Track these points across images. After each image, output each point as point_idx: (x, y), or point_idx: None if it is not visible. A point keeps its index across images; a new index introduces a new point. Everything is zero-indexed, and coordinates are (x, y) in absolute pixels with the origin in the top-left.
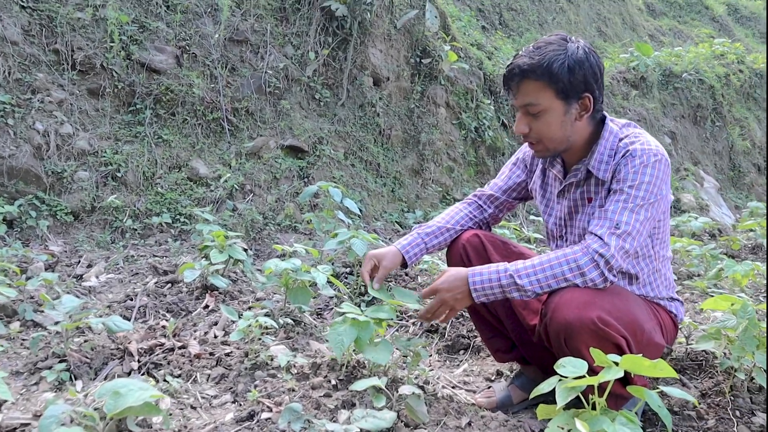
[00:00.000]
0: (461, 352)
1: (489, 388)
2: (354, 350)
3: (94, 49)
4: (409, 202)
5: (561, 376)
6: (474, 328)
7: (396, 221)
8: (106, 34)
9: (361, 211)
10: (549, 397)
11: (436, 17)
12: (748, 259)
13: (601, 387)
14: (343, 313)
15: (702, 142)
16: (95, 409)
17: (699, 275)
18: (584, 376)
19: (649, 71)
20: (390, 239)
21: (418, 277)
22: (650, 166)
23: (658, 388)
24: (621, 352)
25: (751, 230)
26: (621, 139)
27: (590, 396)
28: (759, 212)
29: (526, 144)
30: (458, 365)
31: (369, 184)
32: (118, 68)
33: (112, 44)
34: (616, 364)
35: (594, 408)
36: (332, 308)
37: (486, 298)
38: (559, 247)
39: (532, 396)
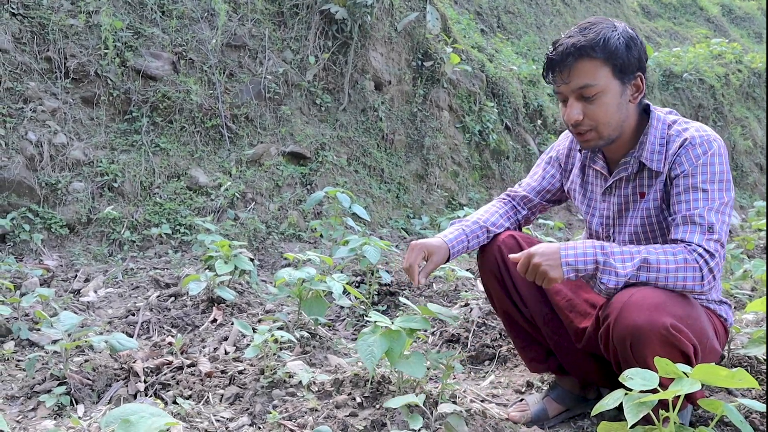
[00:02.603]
0: (486, 362)
1: (521, 401)
2: (378, 364)
3: (87, 56)
4: (415, 208)
5: (626, 389)
6: (498, 337)
7: (402, 228)
8: (100, 40)
9: None
10: (587, 410)
11: (437, 19)
12: (763, 258)
13: (672, 400)
14: (372, 323)
15: None
16: None
17: None
18: (656, 389)
19: (650, 72)
20: (397, 246)
21: (433, 284)
22: (716, 155)
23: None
24: (688, 361)
25: (760, 230)
26: (670, 126)
27: (659, 410)
28: (765, 212)
29: (560, 141)
30: (484, 377)
31: (373, 191)
32: (113, 75)
33: (106, 51)
34: (686, 374)
35: (665, 424)
36: (344, 319)
37: (576, 273)
38: None
39: (594, 413)
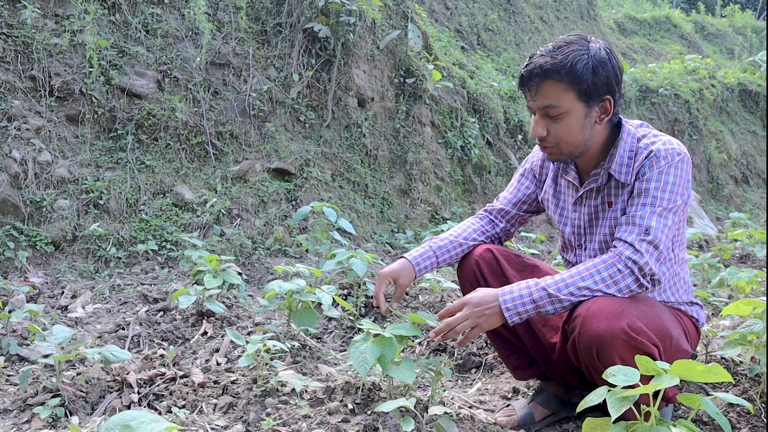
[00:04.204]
0: (473, 370)
1: (508, 406)
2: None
3: (72, 74)
4: (399, 223)
5: (609, 385)
6: (484, 345)
7: (386, 242)
8: (84, 59)
9: None
10: (572, 413)
11: (418, 37)
12: (738, 266)
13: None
14: (363, 330)
15: None
16: None
17: (695, 285)
18: (637, 385)
19: (627, 87)
20: (383, 260)
21: (419, 296)
22: (674, 166)
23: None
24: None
25: (736, 240)
26: (639, 140)
27: (641, 406)
28: (740, 223)
29: (534, 153)
30: (471, 384)
31: (357, 206)
32: (98, 94)
33: (90, 69)
34: (665, 371)
35: (647, 419)
36: (332, 331)
37: (519, 316)
38: (578, 257)
39: (579, 409)
